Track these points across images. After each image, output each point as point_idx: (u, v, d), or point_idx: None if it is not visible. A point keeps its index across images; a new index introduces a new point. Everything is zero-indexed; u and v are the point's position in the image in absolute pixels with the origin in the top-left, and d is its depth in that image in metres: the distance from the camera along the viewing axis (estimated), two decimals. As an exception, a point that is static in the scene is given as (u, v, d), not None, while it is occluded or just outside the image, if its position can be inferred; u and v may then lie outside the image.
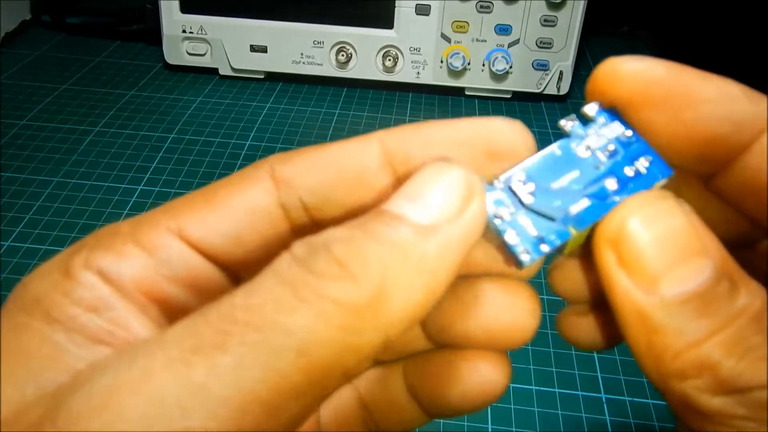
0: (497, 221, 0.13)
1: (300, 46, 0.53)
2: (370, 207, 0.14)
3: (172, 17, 0.53)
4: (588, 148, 0.14)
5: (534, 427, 0.29)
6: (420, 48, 0.52)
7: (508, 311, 0.15)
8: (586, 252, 0.14)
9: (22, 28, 0.62)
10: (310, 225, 0.14)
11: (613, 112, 0.14)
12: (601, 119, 0.14)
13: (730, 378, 0.11)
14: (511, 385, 0.31)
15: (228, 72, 0.55)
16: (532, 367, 0.32)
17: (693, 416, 0.12)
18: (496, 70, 0.52)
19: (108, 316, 0.12)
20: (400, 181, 0.14)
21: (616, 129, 0.14)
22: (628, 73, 0.13)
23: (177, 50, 0.55)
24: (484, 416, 0.29)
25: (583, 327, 0.16)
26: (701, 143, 0.13)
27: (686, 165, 0.14)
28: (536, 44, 0.52)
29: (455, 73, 0.53)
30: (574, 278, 0.16)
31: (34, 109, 0.50)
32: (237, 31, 0.53)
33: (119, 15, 0.61)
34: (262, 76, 0.56)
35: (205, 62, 0.55)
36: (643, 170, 0.13)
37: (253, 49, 0.54)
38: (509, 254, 0.13)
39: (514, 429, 0.29)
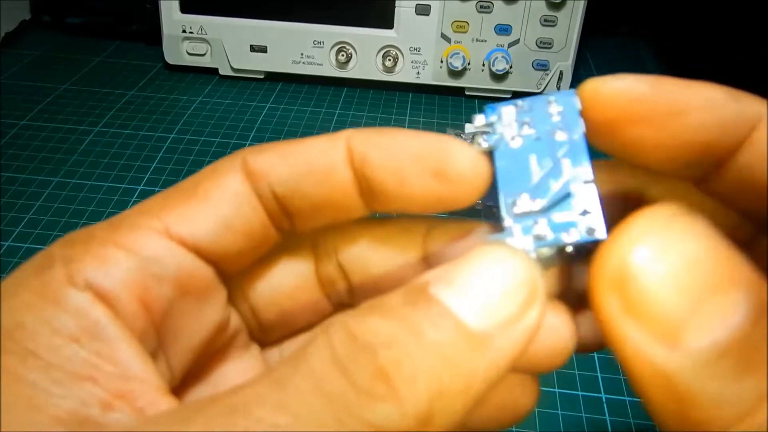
0: (546, 242, 0.12)
1: (300, 46, 0.53)
2: (337, 206, 0.14)
3: (172, 17, 0.53)
4: (514, 137, 0.14)
5: (534, 427, 0.29)
6: (420, 48, 0.52)
7: (551, 334, 0.14)
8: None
9: (22, 28, 0.62)
10: (283, 216, 0.14)
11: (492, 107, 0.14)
12: (493, 117, 0.14)
13: None
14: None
15: (228, 72, 0.55)
16: (532, 367, 0.32)
17: None
18: (496, 70, 0.52)
19: (93, 347, 0.11)
20: (359, 180, 0.14)
21: (511, 111, 0.14)
22: (610, 93, 0.13)
23: (177, 50, 0.55)
24: (484, 416, 0.29)
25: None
26: (692, 151, 0.13)
27: (679, 172, 0.13)
28: (536, 44, 0.52)
29: (455, 73, 0.53)
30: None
31: (34, 109, 0.50)
32: (237, 31, 0.53)
33: (119, 15, 0.61)
34: (262, 76, 0.56)
35: (205, 62, 0.55)
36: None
37: (253, 49, 0.54)
38: (578, 253, 0.13)
39: (514, 429, 0.29)
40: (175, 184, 0.14)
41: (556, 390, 0.31)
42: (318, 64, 0.54)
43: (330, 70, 0.54)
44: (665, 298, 0.10)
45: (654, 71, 0.62)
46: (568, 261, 0.15)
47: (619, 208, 0.14)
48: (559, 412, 0.30)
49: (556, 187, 0.13)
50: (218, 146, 0.47)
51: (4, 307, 0.11)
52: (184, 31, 0.54)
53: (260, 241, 0.14)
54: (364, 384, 0.10)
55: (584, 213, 0.12)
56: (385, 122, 0.52)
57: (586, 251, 0.12)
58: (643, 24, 0.70)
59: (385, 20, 0.52)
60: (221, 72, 0.56)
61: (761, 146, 0.12)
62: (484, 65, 0.53)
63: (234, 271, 0.14)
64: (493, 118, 0.14)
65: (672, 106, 0.12)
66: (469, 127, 0.14)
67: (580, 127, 0.13)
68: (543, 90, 0.53)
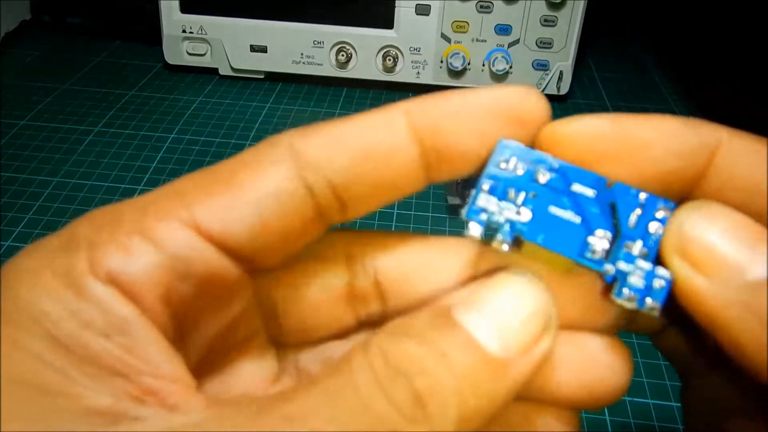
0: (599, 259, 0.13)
1: (300, 46, 0.53)
2: (398, 186, 0.13)
3: (172, 17, 0.53)
4: (519, 212, 0.13)
5: (534, 427, 0.29)
6: (420, 48, 0.52)
7: (607, 369, 0.14)
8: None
9: (22, 28, 0.62)
10: (336, 206, 0.13)
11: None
12: (482, 216, 0.13)
13: None
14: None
15: (228, 72, 0.55)
16: (532, 367, 0.32)
17: None
18: (496, 70, 0.52)
19: (120, 342, 0.11)
20: (427, 154, 0.13)
21: (492, 201, 0.13)
22: (570, 135, 0.13)
23: (177, 50, 0.55)
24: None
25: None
26: (660, 182, 0.13)
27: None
28: (536, 44, 0.52)
29: (455, 73, 0.53)
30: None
31: (34, 109, 0.50)
32: (237, 31, 0.53)
33: (119, 15, 0.61)
34: (262, 76, 0.56)
35: (205, 62, 0.55)
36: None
37: (253, 49, 0.54)
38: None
39: (514, 429, 0.29)
40: (210, 167, 0.13)
41: (556, 390, 0.31)
42: (318, 64, 0.54)
43: (330, 70, 0.54)
44: (725, 249, 0.12)
45: (654, 71, 0.62)
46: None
47: None
48: (559, 412, 0.30)
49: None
50: (218, 146, 0.47)
51: (27, 282, 0.11)
52: (184, 31, 0.54)
53: (300, 238, 0.13)
54: (404, 408, 0.11)
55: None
56: (385, 122, 0.52)
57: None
58: (643, 24, 0.70)
59: (385, 20, 0.52)
60: (221, 72, 0.56)
61: (724, 170, 0.13)
62: (484, 65, 0.53)
63: (264, 268, 0.14)
64: (482, 217, 0.13)
65: (633, 141, 0.13)
66: (473, 233, 0.13)
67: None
68: (543, 90, 0.53)
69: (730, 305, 0.12)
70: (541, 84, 0.53)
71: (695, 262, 0.12)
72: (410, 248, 0.15)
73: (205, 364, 0.14)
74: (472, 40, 0.52)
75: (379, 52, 0.53)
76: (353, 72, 0.54)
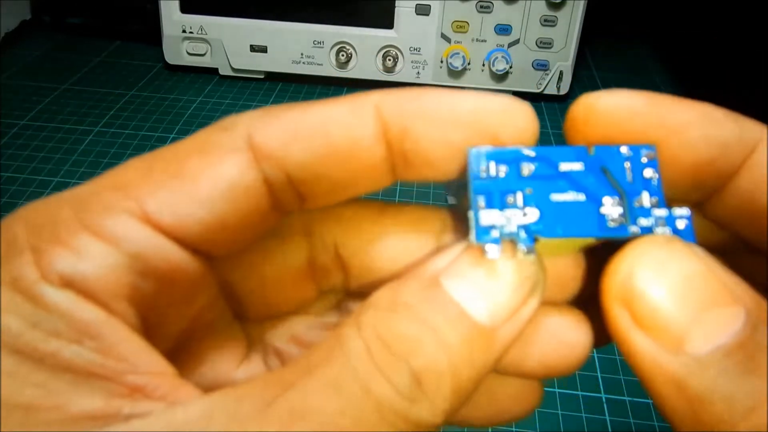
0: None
1: (300, 46, 0.53)
2: (361, 184, 0.13)
3: (172, 17, 0.53)
4: (526, 214, 0.12)
5: (534, 427, 0.29)
6: (420, 48, 0.52)
7: (567, 339, 0.14)
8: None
9: (22, 28, 0.62)
10: (295, 198, 0.13)
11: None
12: (489, 241, 0.12)
13: None
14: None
15: (228, 72, 0.55)
16: (532, 367, 0.32)
17: None
18: (496, 70, 0.52)
19: (93, 346, 0.10)
20: (393, 155, 0.13)
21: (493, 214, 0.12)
22: (605, 108, 0.12)
23: (177, 50, 0.55)
24: (484, 416, 0.29)
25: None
26: (690, 170, 0.12)
27: (677, 194, 0.13)
28: (536, 44, 0.52)
29: (455, 73, 0.53)
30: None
31: (34, 109, 0.50)
32: (237, 31, 0.53)
33: (119, 15, 0.61)
34: (262, 76, 0.56)
35: (205, 62, 0.55)
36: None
37: (253, 49, 0.54)
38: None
39: (514, 429, 0.29)
40: (153, 152, 0.12)
41: (556, 390, 0.31)
42: (318, 64, 0.54)
43: (330, 70, 0.54)
44: (668, 311, 0.11)
45: (654, 71, 0.62)
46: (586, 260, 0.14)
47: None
48: (559, 412, 0.30)
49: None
50: (218, 146, 0.47)
51: None
52: (184, 31, 0.54)
53: (256, 229, 0.13)
54: (404, 389, 0.11)
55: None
56: (385, 122, 0.52)
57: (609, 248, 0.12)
58: (643, 24, 0.70)
59: (385, 20, 0.52)
60: (221, 72, 0.56)
61: (760, 170, 0.12)
62: (484, 65, 0.53)
63: (221, 256, 0.13)
64: (494, 234, 0.12)
65: (669, 120, 0.12)
66: (492, 256, 0.12)
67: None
68: (543, 90, 0.53)
69: (662, 373, 0.11)
70: (541, 84, 0.53)
71: (636, 318, 0.11)
72: (369, 220, 0.15)
73: (174, 352, 0.13)
74: (472, 40, 0.52)
75: (379, 52, 0.53)
76: (353, 72, 0.54)
